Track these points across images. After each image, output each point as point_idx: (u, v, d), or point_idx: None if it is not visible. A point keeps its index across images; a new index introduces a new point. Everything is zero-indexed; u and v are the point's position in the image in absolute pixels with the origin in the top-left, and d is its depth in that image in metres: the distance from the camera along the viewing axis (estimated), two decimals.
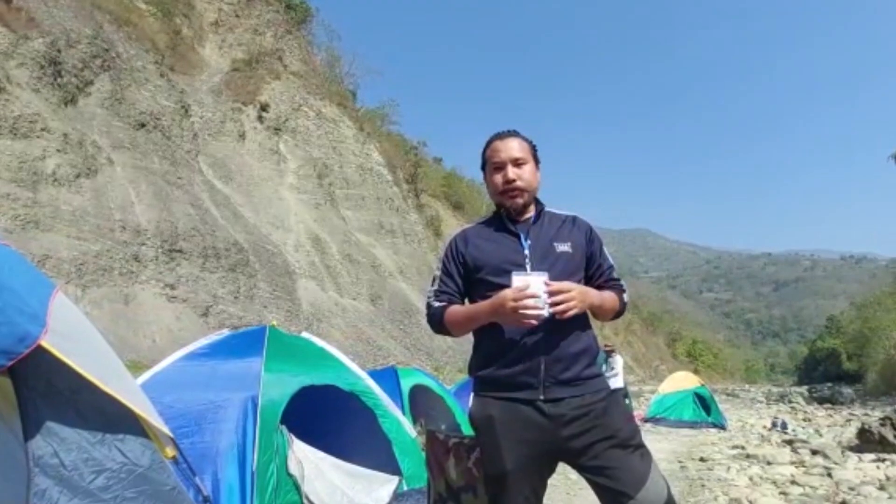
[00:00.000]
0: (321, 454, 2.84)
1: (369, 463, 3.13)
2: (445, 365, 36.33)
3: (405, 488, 3.24)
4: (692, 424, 10.90)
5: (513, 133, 1.89)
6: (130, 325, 24.39)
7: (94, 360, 1.36)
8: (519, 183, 1.80)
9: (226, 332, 3.43)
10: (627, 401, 9.92)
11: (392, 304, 37.28)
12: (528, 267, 1.74)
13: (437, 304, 1.81)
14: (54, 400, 1.27)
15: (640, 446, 1.71)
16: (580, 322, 1.77)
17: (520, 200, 1.81)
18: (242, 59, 33.97)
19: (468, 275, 1.83)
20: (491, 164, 1.86)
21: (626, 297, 1.91)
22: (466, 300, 1.85)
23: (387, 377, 5.05)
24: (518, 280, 1.64)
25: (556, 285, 1.64)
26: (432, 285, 1.88)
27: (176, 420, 2.66)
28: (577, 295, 1.67)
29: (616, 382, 9.21)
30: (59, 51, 23.00)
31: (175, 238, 25.82)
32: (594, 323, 1.90)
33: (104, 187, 24.46)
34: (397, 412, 3.48)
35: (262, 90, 35.65)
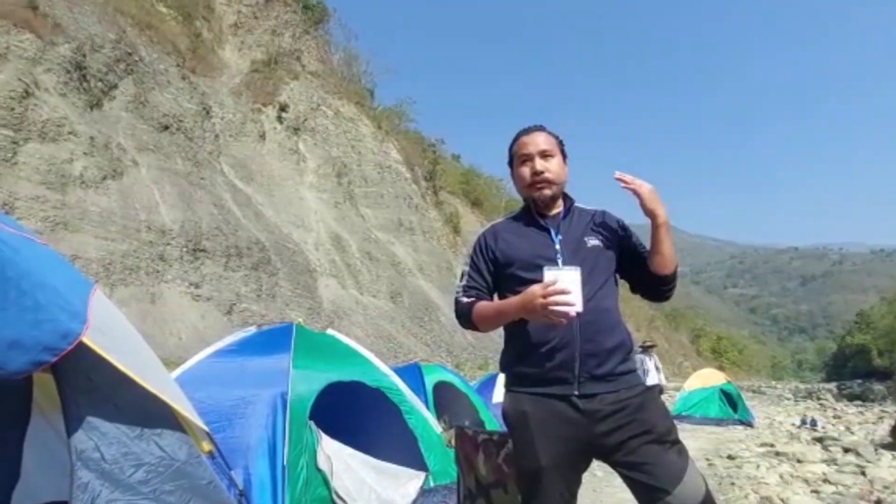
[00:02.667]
0: (349, 450, 2.86)
1: (395, 459, 3.14)
2: (466, 361, 36.34)
3: (432, 484, 3.25)
4: (718, 422, 10.72)
5: (539, 127, 1.86)
6: (157, 323, 24.90)
7: (131, 356, 1.39)
8: (547, 174, 1.78)
9: (253, 329, 3.47)
10: None
11: (412, 302, 37.42)
12: (559, 262, 1.72)
13: (465, 299, 1.79)
14: (94, 396, 1.29)
15: (677, 442, 1.67)
16: (613, 317, 1.74)
17: (548, 192, 1.78)
18: (261, 60, 34.36)
19: (498, 270, 1.80)
20: (518, 158, 1.83)
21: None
22: (496, 296, 1.83)
23: (410, 374, 5.06)
24: (550, 275, 1.61)
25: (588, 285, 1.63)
26: (460, 280, 1.86)
27: (207, 416, 2.70)
28: (649, 189, 1.71)
29: (650, 380, 8.99)
30: (84, 56, 23.53)
31: (199, 238, 26.28)
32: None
33: (130, 189, 24.99)
34: (423, 408, 3.49)
35: (281, 90, 36.02)
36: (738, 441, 8.74)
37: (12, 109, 22.41)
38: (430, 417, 3.60)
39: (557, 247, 1.74)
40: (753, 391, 32.81)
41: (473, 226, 55.60)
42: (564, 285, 1.54)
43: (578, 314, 1.57)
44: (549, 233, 1.78)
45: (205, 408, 2.78)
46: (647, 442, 1.62)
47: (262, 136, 34.07)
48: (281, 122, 36.43)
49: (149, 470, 1.34)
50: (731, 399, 11.37)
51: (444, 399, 5.14)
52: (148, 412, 1.36)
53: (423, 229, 44.72)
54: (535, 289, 1.59)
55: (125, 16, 24.55)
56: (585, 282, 1.63)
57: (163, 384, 1.48)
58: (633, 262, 1.82)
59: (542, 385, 1.66)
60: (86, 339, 1.16)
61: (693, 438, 8.38)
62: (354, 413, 3.28)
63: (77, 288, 1.29)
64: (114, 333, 1.33)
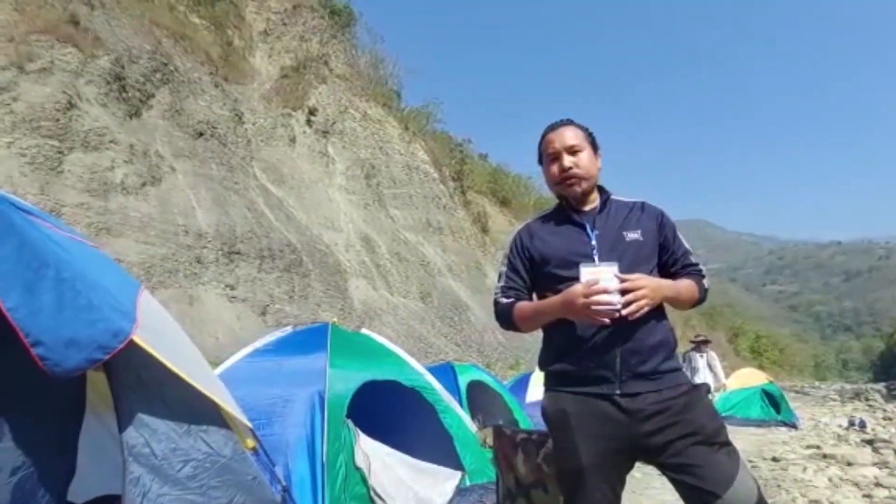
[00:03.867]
0: (386, 448, 2.88)
1: (431, 458, 3.14)
2: (497, 361, 36.21)
3: (468, 483, 3.23)
4: (760, 423, 10.40)
5: (566, 122, 1.83)
6: (195, 324, 25.70)
7: (177, 354, 1.42)
8: (576, 170, 1.77)
9: (289, 329, 3.53)
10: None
11: (442, 302, 37.49)
12: (595, 258, 1.71)
13: (504, 300, 1.79)
14: (144, 393, 1.33)
15: (727, 444, 1.62)
16: (656, 313, 1.72)
17: (578, 188, 1.78)
18: (290, 65, 35.00)
19: (534, 269, 1.81)
20: (546, 156, 1.83)
21: (706, 282, 1.82)
22: (534, 294, 1.81)
23: (444, 373, 5.06)
24: (586, 272, 1.60)
25: (627, 281, 1.57)
26: (498, 281, 1.85)
27: (246, 413, 2.76)
28: (649, 291, 1.62)
29: (699, 379, 8.48)
30: (122, 67, 24.44)
31: (233, 241, 26.98)
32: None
33: (168, 194, 25.85)
34: (458, 408, 3.48)
35: (309, 95, 36.61)
36: (782, 443, 8.50)
37: (57, 120, 23.46)
38: (466, 416, 3.59)
39: (593, 243, 1.75)
40: (796, 391, 31.68)
41: (502, 225, 55.37)
42: (606, 284, 1.52)
43: (620, 314, 1.54)
44: (585, 228, 1.79)
45: (244, 406, 2.84)
46: (695, 443, 1.57)
47: (292, 140, 34.70)
48: (310, 126, 37.08)
49: (196, 465, 1.37)
50: (773, 399, 11.01)
51: (478, 398, 5.12)
52: (194, 409, 1.39)
53: (451, 229, 44.73)
54: (577, 288, 1.58)
55: (160, 27, 25.40)
56: (624, 282, 1.59)
57: (208, 381, 1.51)
58: (662, 262, 1.78)
59: (582, 384, 1.63)
60: (135, 338, 1.19)
61: (735, 440, 8.13)
62: (390, 412, 3.29)
63: (126, 289, 1.33)
64: (160, 332, 1.36)
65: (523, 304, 1.79)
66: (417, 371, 3.32)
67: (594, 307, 1.57)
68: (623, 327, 1.64)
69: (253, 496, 1.51)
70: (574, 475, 1.62)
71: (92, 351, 1.09)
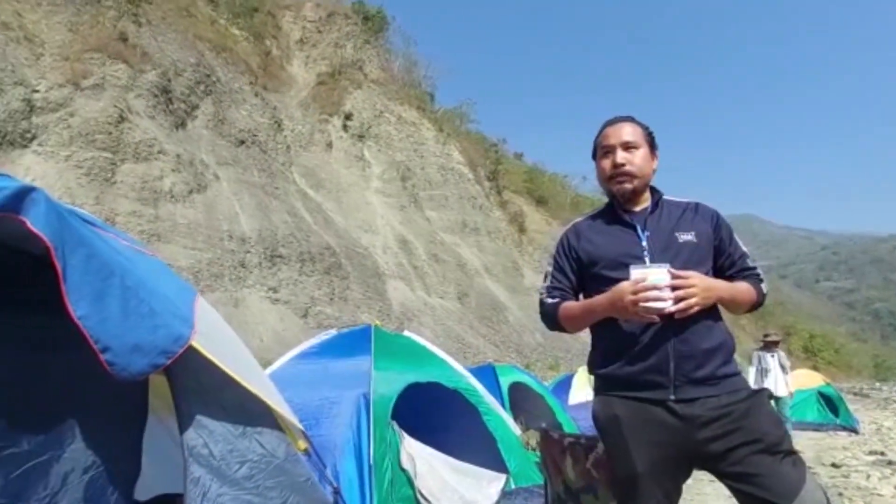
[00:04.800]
0: (430, 450, 2.89)
1: (474, 460, 3.13)
2: (536, 362, 35.80)
3: (513, 486, 3.20)
4: (818, 426, 9.88)
5: (626, 118, 1.77)
6: (241, 326, 26.43)
7: (232, 358, 1.47)
8: (628, 167, 1.68)
9: (333, 332, 3.59)
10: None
11: (479, 302, 37.41)
12: (647, 259, 1.63)
13: (549, 300, 1.74)
14: (202, 396, 1.38)
15: (792, 452, 1.53)
16: (711, 314, 1.62)
17: (628, 186, 1.70)
18: (326, 72, 35.72)
19: (582, 270, 1.74)
20: (600, 150, 1.75)
21: (764, 286, 1.72)
22: (581, 297, 1.76)
23: (485, 375, 5.03)
24: (636, 273, 1.54)
25: (678, 276, 1.51)
26: (544, 281, 1.81)
27: (296, 414, 2.83)
28: (700, 290, 1.52)
29: (770, 382, 7.69)
30: (168, 80, 25.52)
31: (275, 245, 27.73)
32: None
33: (213, 201, 26.81)
34: (501, 410, 3.46)
35: (345, 100, 37.28)
36: (842, 448, 8.01)
37: (110, 133, 24.69)
38: (508, 419, 3.56)
39: (644, 244, 1.66)
40: (855, 393, 30.04)
41: (539, 224, 54.78)
42: (655, 281, 1.46)
43: (670, 313, 1.48)
44: (635, 229, 1.69)
45: (292, 407, 2.91)
46: (758, 451, 1.49)
47: (329, 145, 35.39)
48: (346, 131, 37.68)
49: (252, 466, 1.41)
50: (830, 402, 10.44)
51: (519, 400, 5.07)
52: (249, 411, 1.43)
53: (487, 230, 44.62)
54: (624, 285, 1.52)
55: (203, 41, 26.39)
56: (677, 279, 1.53)
57: (261, 384, 1.55)
58: (717, 266, 1.70)
59: (634, 388, 1.57)
60: (194, 343, 1.24)
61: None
62: (432, 413, 3.30)
63: (183, 295, 1.39)
64: (215, 337, 1.41)
65: (569, 304, 1.72)
66: (459, 373, 3.31)
67: (642, 304, 1.49)
68: (676, 328, 1.55)
69: (306, 497, 1.54)
70: (628, 483, 1.57)
71: (155, 356, 1.14)
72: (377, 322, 3.55)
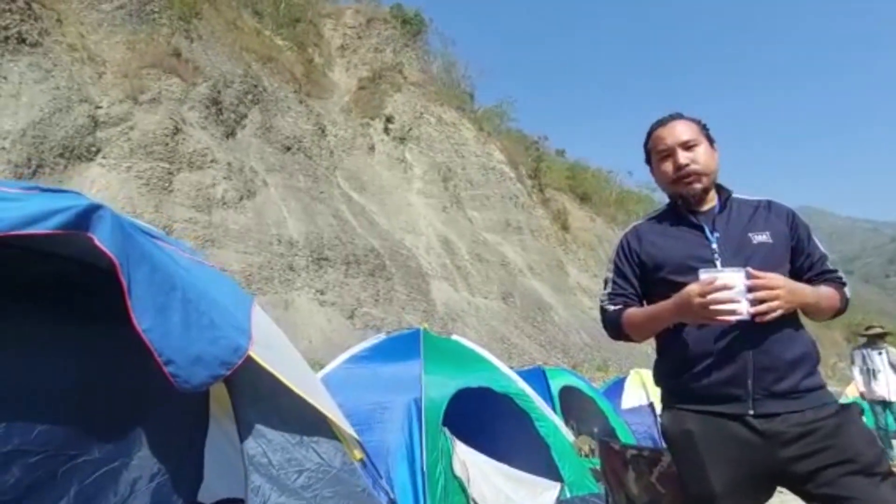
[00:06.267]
0: (483, 457, 2.84)
1: (526, 467, 3.07)
2: (583, 362, 35.14)
3: (568, 495, 3.12)
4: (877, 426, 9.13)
5: (676, 116, 1.66)
6: (290, 328, 27.22)
7: (287, 367, 1.48)
8: (694, 166, 1.57)
9: (382, 336, 3.60)
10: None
11: (524, 302, 37.06)
12: (718, 263, 1.52)
13: (612, 307, 1.64)
14: (260, 405, 1.39)
15: (891, 474, 1.39)
16: (793, 321, 1.49)
17: (698, 185, 1.58)
18: (367, 76, 36.30)
19: (645, 275, 1.64)
20: (657, 154, 1.64)
21: (847, 291, 1.58)
22: (644, 303, 1.66)
23: (535, 378, 4.94)
24: (706, 275, 1.43)
25: (758, 278, 1.39)
26: (604, 288, 1.71)
27: (348, 419, 2.85)
28: (784, 292, 1.40)
29: (880, 387, 6.54)
30: (218, 92, 26.61)
31: (321, 248, 28.42)
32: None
33: (262, 207, 27.76)
34: (553, 415, 3.37)
35: (386, 104, 37.78)
36: None
37: (166, 145, 25.98)
38: (561, 425, 3.47)
39: (714, 246, 1.54)
40: None
41: (583, 222, 53.66)
42: (727, 281, 1.36)
43: (749, 319, 1.37)
44: (703, 230, 1.58)
45: (344, 412, 2.94)
46: (851, 473, 1.35)
47: (372, 149, 35.94)
48: (387, 134, 38.15)
49: (309, 476, 1.41)
50: None
51: (571, 404, 4.95)
52: (306, 420, 1.44)
53: (530, 228, 44.13)
54: (693, 287, 1.41)
55: (249, 52, 27.36)
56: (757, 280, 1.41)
57: (316, 393, 1.56)
58: (794, 269, 1.56)
59: (708, 402, 1.45)
60: (251, 353, 1.25)
61: None
62: (482, 419, 3.25)
63: (240, 304, 1.41)
64: (271, 346, 1.42)
65: (634, 311, 1.63)
66: (509, 377, 3.26)
67: (713, 307, 1.38)
68: (754, 336, 1.44)
69: None
70: (705, 502, 1.46)
71: (216, 367, 1.16)
72: (424, 325, 3.54)
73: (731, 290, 1.36)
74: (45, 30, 24.51)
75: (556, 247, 44.99)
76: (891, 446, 6.52)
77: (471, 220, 39.21)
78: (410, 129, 36.87)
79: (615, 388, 6.51)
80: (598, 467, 4.56)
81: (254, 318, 1.40)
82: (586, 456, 4.84)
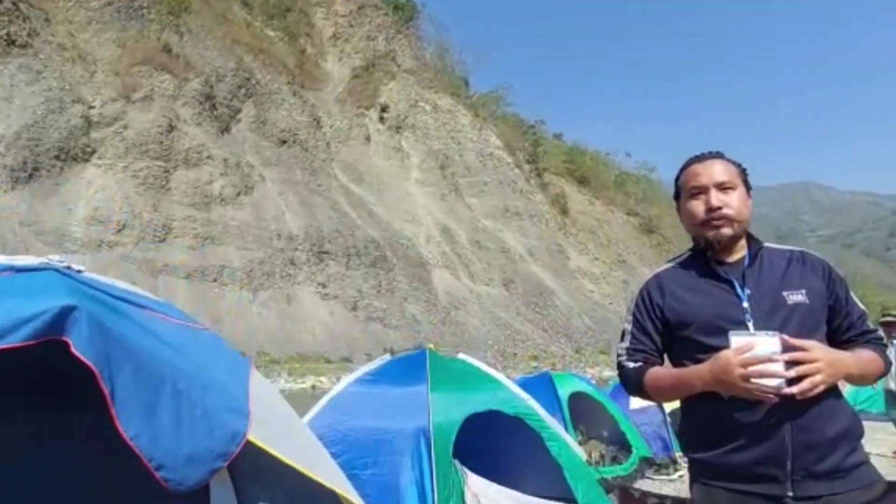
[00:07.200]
0: (495, 486, 2.79)
1: (539, 488, 3.02)
2: (586, 346, 35.31)
3: None
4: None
5: (716, 154, 1.53)
6: (294, 322, 27.30)
7: (290, 441, 1.41)
8: (727, 210, 1.45)
9: (387, 357, 3.55)
10: None
11: (525, 288, 37.06)
12: (749, 325, 1.39)
13: (631, 364, 1.53)
14: (262, 480, 1.33)
15: None
16: (833, 391, 1.38)
17: (727, 231, 1.46)
18: (360, 65, 35.82)
19: (668, 331, 1.51)
20: (688, 190, 1.52)
21: (891, 354, 1.47)
22: (666, 357, 1.56)
23: (542, 385, 4.89)
24: (737, 341, 1.31)
25: (796, 348, 1.27)
26: (622, 341, 1.60)
27: (353, 450, 2.80)
28: (825, 365, 1.28)
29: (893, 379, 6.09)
30: (211, 87, 26.24)
31: (321, 241, 28.29)
32: None
33: (260, 202, 27.55)
34: (564, 433, 3.32)
35: (380, 92, 37.33)
36: None
37: (161, 143, 25.69)
38: (573, 443, 3.41)
39: (745, 304, 1.42)
40: None
41: (582, 205, 53.44)
42: (766, 351, 1.26)
43: (789, 394, 1.26)
44: (733, 285, 1.46)
45: (350, 441, 2.88)
46: None
47: (368, 139, 35.61)
48: (383, 123, 37.67)
49: None
50: None
51: (579, 409, 4.91)
52: (313, 496, 1.37)
53: (529, 213, 43.97)
54: (729, 357, 1.30)
55: (241, 44, 26.92)
56: (791, 350, 1.30)
57: (324, 467, 1.49)
58: (831, 328, 1.46)
59: (743, 481, 1.34)
60: (250, 437, 1.18)
61: (873, 443, 6.67)
62: (492, 439, 3.20)
63: (237, 375, 1.33)
64: (272, 419, 1.36)
65: (658, 372, 1.50)
66: (518, 396, 3.20)
67: (755, 379, 1.27)
68: (793, 410, 1.32)
69: None
70: None
71: (212, 461, 1.09)
72: (430, 345, 3.49)
73: (776, 362, 1.25)
74: (33, 30, 24.17)
75: (555, 231, 44.95)
76: None
77: (470, 207, 39.04)
78: (406, 118, 36.50)
79: (622, 388, 6.45)
80: (608, 477, 4.53)
81: (252, 387, 1.32)
82: (596, 463, 4.82)
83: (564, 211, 46.26)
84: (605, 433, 4.96)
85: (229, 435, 1.10)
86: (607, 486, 4.08)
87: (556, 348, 32.25)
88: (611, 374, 30.38)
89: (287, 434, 1.40)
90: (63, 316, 0.93)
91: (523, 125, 45.15)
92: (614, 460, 4.93)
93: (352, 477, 2.71)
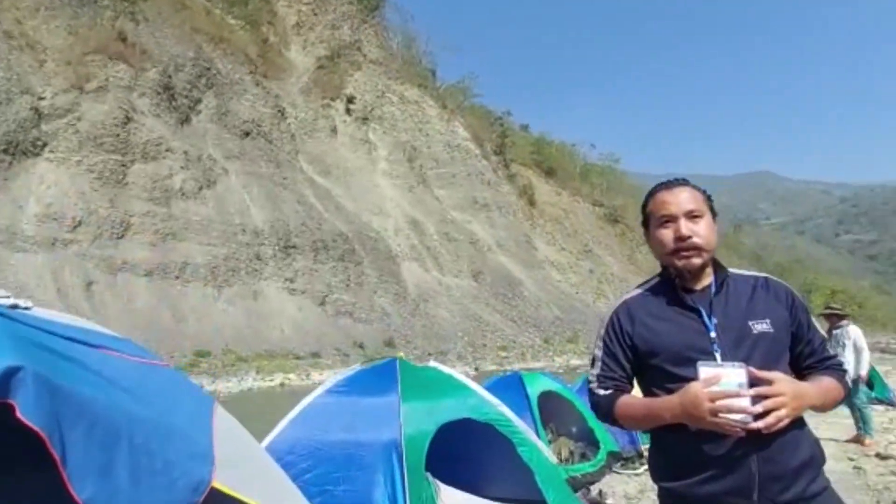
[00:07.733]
0: (467, 496, 2.81)
1: (510, 493, 3.07)
2: (554, 335, 35.86)
3: None
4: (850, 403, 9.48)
5: (682, 182, 1.55)
6: (261, 318, 26.73)
7: (259, 480, 1.38)
8: (696, 240, 1.47)
9: (357, 367, 3.51)
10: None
11: (494, 279, 37.31)
12: (717, 355, 1.41)
13: (602, 391, 1.55)
14: None
15: None
16: (797, 421, 1.40)
17: (696, 261, 1.48)
18: (325, 55, 35.05)
19: (638, 360, 1.54)
20: (656, 219, 1.53)
21: (848, 379, 1.53)
22: (636, 384, 1.58)
23: (512, 385, 4.95)
24: (706, 372, 1.33)
25: (762, 381, 1.30)
26: (592, 367, 1.62)
27: (325, 465, 2.77)
28: (790, 399, 1.31)
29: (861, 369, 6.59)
30: (169, 77, 25.20)
31: (288, 235, 27.69)
32: None
33: (223, 196, 26.72)
34: (535, 438, 3.37)
35: (346, 83, 36.64)
36: (883, 430, 7.25)
37: (117, 135, 24.58)
38: (543, 447, 3.47)
39: (713, 335, 1.44)
40: (882, 350, 29.65)
41: (548, 196, 54.02)
42: (733, 385, 1.28)
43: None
44: (700, 314, 1.48)
45: (322, 455, 2.85)
46: None
47: (334, 130, 34.97)
48: (350, 114, 37.08)
49: None
50: None
51: (549, 408, 5.00)
52: None
53: (497, 205, 44.22)
54: (698, 390, 1.32)
55: (200, 33, 25.94)
56: (757, 382, 1.33)
57: (291, 499, 1.46)
58: (794, 355, 1.49)
59: None
60: (215, 483, 1.14)
61: (823, 429, 6.78)
62: (463, 446, 3.22)
63: (200, 416, 1.28)
64: (237, 458, 1.31)
65: (628, 402, 1.52)
66: (489, 402, 3.22)
67: (723, 414, 1.30)
68: (759, 443, 1.35)
69: None
70: None
71: None
72: (400, 355, 3.47)
73: (743, 397, 1.28)
74: None
75: (523, 222, 45.35)
76: (865, 422, 6.64)
77: (438, 199, 38.95)
78: (373, 109, 36.00)
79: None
80: (576, 475, 4.64)
81: (215, 428, 1.27)
82: (566, 461, 4.92)
83: (532, 202, 46.70)
84: (574, 429, 5.07)
85: (192, 485, 1.06)
86: (575, 485, 4.18)
87: (524, 338, 32.66)
88: (578, 362, 31.01)
89: (255, 473, 1.36)
90: (7, 378, 0.87)
91: (490, 116, 45.26)
92: (583, 457, 5.05)
93: (324, 493, 2.69)
